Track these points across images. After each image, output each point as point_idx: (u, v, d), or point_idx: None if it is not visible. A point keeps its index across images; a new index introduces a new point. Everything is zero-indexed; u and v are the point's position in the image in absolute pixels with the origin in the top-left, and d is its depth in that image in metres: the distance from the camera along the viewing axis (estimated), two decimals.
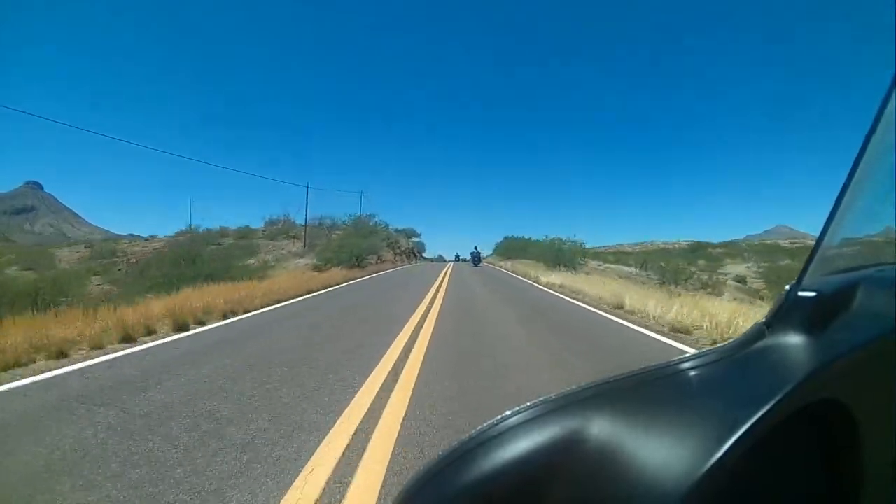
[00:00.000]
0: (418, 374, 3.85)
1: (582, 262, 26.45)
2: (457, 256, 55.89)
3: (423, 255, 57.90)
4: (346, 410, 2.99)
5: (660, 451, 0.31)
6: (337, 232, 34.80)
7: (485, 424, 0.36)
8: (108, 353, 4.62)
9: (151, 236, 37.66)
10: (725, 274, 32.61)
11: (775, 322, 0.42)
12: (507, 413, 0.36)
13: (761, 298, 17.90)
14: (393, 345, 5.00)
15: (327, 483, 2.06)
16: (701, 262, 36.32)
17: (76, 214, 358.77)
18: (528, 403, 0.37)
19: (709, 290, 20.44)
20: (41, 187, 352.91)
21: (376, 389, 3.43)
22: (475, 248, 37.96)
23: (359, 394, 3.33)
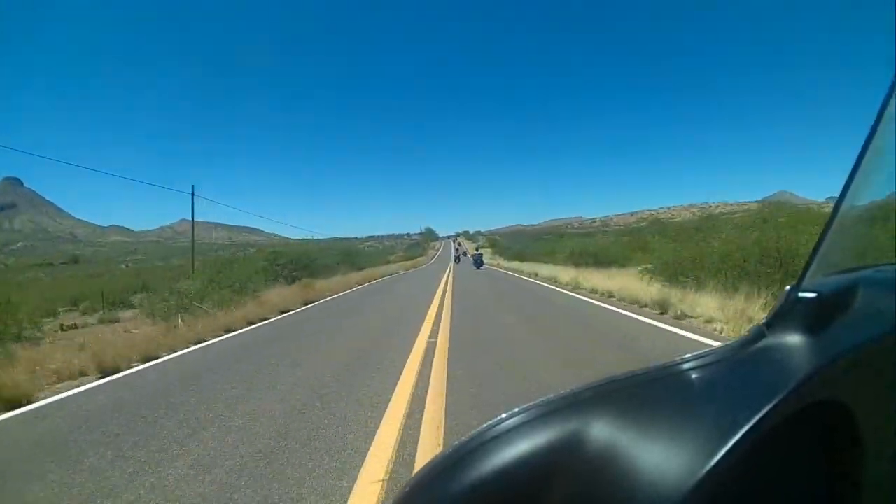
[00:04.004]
0: None
1: None
2: (457, 257, 42.05)
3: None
4: None
5: (660, 452, 0.31)
6: None
7: (485, 425, 0.35)
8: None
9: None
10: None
11: (775, 322, 0.42)
12: (507, 414, 0.36)
13: None
14: None
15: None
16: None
17: (59, 209, 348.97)
18: (528, 404, 0.36)
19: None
20: (21, 183, 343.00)
21: None
22: (477, 249, 31.79)
23: None
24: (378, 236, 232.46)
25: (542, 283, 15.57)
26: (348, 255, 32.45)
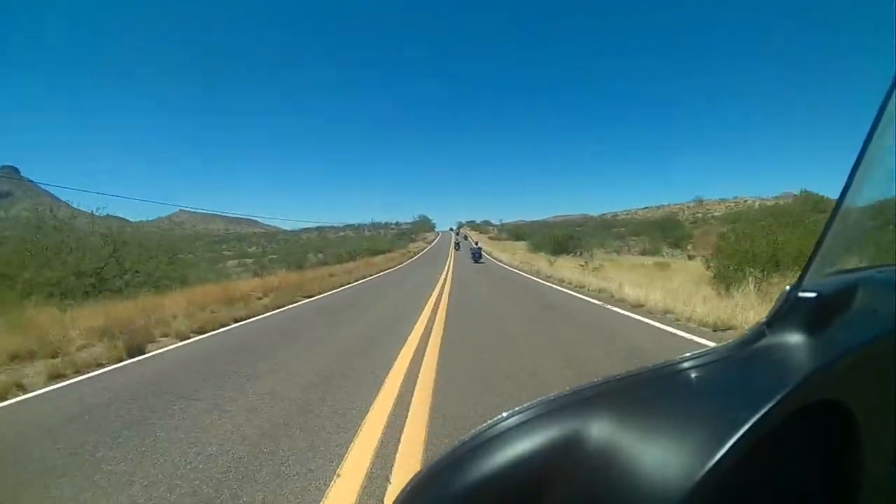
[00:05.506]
0: None
1: None
2: (457, 243, 42.79)
3: None
4: None
5: (659, 451, 0.31)
6: None
7: (484, 425, 0.35)
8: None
9: None
10: None
11: (776, 322, 0.42)
12: (507, 413, 0.36)
13: None
14: None
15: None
16: None
17: (57, 199, 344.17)
18: (528, 404, 0.36)
19: None
20: (18, 172, 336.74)
21: None
22: (476, 243, 30.87)
23: None
24: (356, 225, 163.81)
25: None
26: None
